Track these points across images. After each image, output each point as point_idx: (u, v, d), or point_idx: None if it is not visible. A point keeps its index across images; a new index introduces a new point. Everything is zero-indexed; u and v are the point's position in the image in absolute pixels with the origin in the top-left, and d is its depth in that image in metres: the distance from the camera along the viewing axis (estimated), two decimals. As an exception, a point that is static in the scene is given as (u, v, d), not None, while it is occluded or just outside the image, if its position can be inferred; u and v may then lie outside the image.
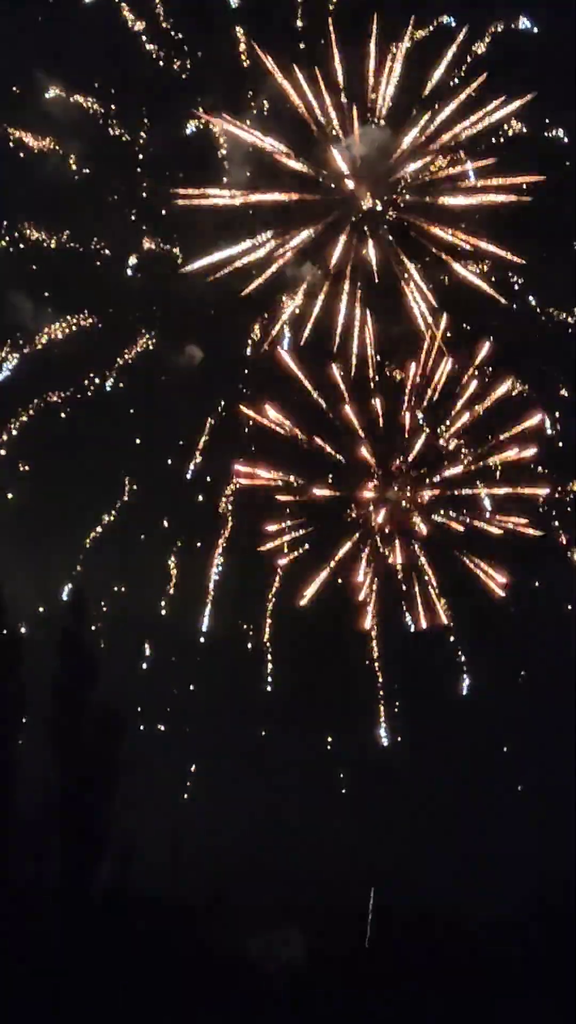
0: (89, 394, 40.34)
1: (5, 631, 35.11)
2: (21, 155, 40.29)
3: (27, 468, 39.76)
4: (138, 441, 40.62)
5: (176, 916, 36.62)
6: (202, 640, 40.22)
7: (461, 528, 43.88)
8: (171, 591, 39.85)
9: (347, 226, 39.05)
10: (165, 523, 40.92)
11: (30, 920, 33.53)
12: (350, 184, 38.61)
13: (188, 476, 39.97)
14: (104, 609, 38.03)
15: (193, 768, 39.44)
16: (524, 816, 39.73)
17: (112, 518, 39.78)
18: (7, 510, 40.41)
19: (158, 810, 37.71)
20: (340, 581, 42.28)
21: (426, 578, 43.03)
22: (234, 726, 40.11)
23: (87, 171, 39.65)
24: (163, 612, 40.25)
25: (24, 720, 34.86)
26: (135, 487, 40.32)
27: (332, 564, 42.26)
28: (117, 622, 38.73)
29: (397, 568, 43.61)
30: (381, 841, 39.14)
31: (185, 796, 39.13)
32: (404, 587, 43.20)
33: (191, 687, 40.39)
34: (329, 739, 41.32)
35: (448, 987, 36.44)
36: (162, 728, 40.22)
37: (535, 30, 41.48)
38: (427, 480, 44.16)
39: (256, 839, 39.03)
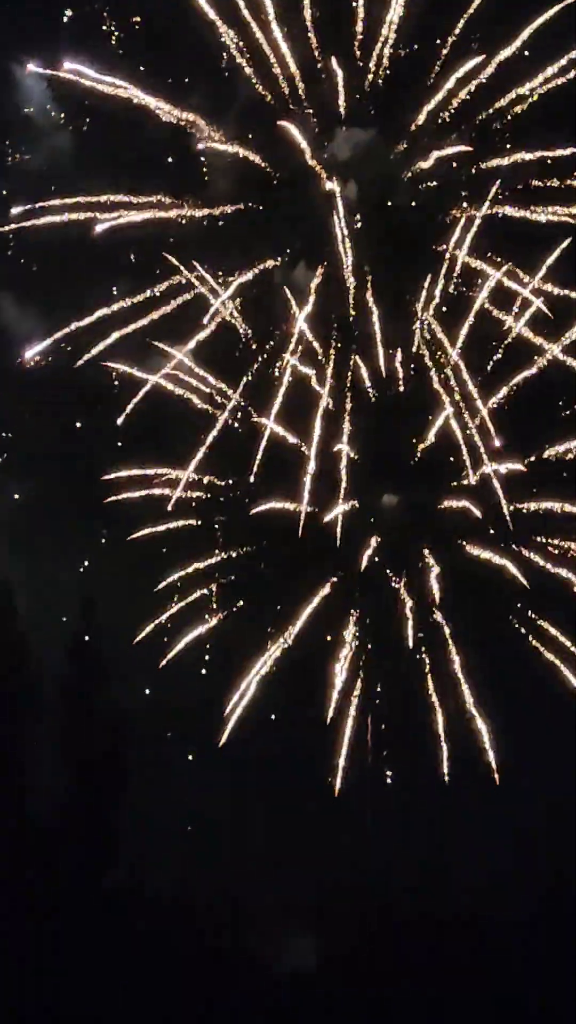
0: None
1: (14, 634, 36.07)
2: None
3: (17, 497, 39.76)
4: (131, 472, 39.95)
5: (184, 919, 38.49)
6: (204, 672, 39.78)
7: (519, 575, 37.70)
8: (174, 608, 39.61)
9: (337, 231, 38.54)
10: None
11: (39, 921, 34.31)
12: (335, 187, 37.96)
13: (184, 493, 39.10)
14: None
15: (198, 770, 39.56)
16: (526, 815, 39.43)
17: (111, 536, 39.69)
18: (15, 516, 40.98)
19: (166, 815, 38.94)
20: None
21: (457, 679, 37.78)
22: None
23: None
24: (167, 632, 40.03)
25: (34, 723, 35.62)
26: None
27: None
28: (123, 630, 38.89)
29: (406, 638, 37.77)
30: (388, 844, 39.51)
31: (191, 800, 39.27)
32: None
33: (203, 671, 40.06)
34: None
35: (457, 993, 37.11)
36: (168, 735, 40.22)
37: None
38: (452, 483, 39.13)
39: (263, 842, 39.81)
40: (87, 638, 37.89)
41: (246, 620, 38.92)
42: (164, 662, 38.24)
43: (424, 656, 38.09)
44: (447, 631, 38.30)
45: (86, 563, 39.97)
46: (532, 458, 38.39)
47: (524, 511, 38.60)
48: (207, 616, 38.79)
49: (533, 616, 38.34)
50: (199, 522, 39.10)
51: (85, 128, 39.86)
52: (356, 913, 39.65)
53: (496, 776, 37.76)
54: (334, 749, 38.10)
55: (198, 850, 39.13)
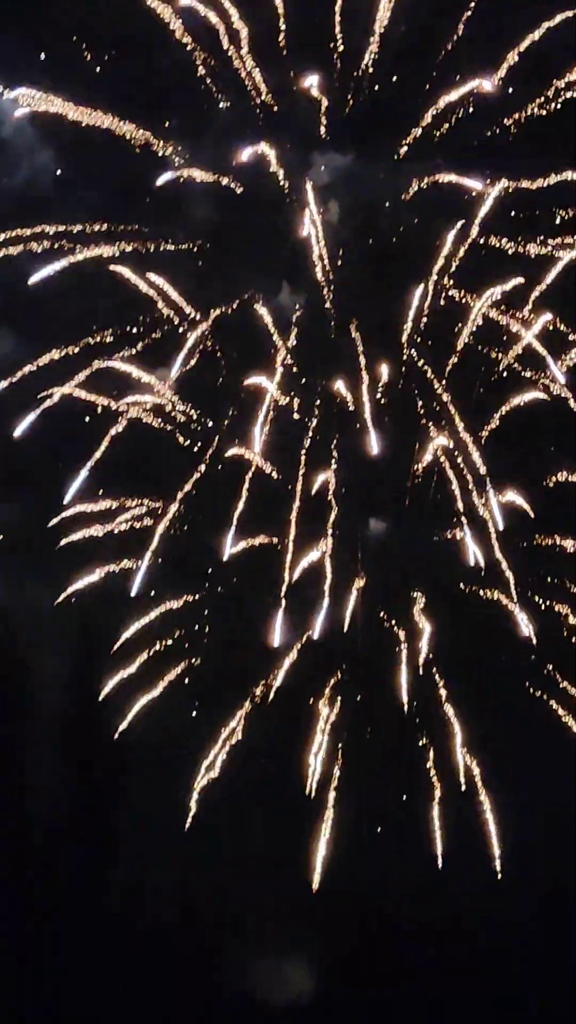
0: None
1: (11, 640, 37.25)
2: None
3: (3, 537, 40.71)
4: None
5: (184, 919, 40.02)
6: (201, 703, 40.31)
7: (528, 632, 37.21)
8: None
9: (317, 258, 38.58)
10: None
11: (39, 921, 35.95)
12: (315, 213, 37.88)
13: (172, 530, 39.24)
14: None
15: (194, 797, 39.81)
16: (525, 827, 39.59)
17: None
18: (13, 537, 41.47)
19: (166, 815, 39.26)
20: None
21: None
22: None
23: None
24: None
25: (34, 723, 36.83)
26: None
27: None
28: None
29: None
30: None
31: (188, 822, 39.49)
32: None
33: (194, 713, 40.18)
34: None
35: (457, 995, 38.64)
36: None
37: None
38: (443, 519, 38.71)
39: (262, 844, 40.14)
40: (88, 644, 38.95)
41: (231, 657, 39.26)
42: (145, 701, 38.51)
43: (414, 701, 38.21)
44: (439, 673, 38.26)
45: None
46: (526, 491, 38.25)
47: (522, 547, 38.53)
48: (184, 662, 39.29)
49: (531, 655, 38.45)
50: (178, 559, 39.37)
51: (62, 156, 40.01)
52: (355, 915, 40.41)
53: (497, 864, 37.81)
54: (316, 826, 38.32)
55: (198, 851, 39.58)
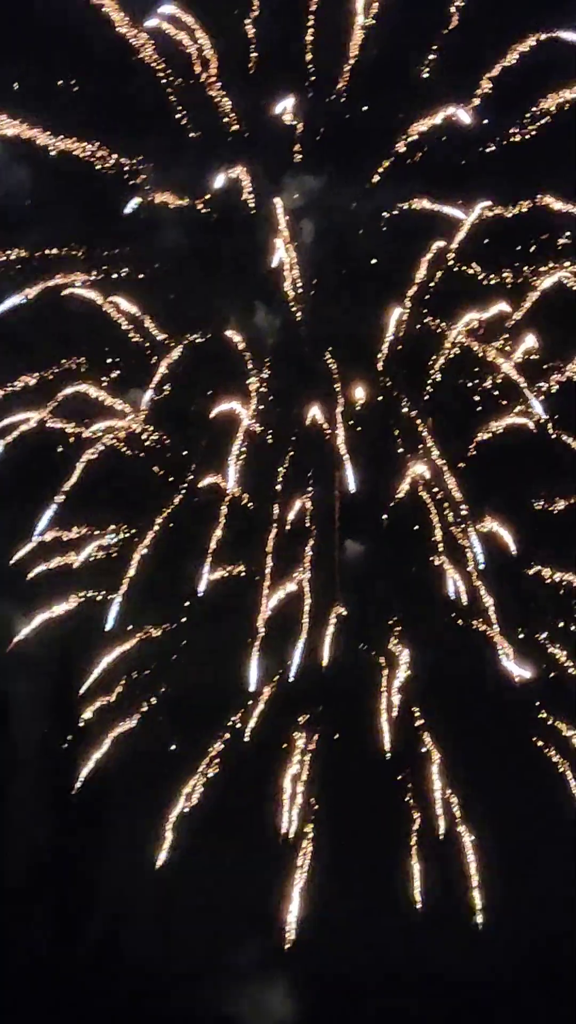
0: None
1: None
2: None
3: None
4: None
5: (161, 976, 37.79)
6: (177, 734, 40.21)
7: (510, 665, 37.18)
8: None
9: (289, 282, 38.81)
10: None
11: (16, 984, 35.43)
12: (287, 237, 38.13)
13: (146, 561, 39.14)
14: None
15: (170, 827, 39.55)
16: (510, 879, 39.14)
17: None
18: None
19: (143, 872, 39.07)
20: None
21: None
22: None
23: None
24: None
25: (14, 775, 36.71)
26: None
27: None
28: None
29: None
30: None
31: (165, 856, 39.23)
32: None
33: (173, 747, 39.94)
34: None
35: None
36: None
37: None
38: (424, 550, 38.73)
39: (243, 896, 39.60)
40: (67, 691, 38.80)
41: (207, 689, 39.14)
42: (121, 730, 38.49)
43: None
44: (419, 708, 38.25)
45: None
46: (507, 521, 38.16)
47: (503, 576, 38.45)
48: (159, 690, 39.32)
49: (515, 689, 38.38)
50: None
51: (34, 181, 40.25)
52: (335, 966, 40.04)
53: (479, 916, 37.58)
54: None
55: (175, 881, 39.20)
